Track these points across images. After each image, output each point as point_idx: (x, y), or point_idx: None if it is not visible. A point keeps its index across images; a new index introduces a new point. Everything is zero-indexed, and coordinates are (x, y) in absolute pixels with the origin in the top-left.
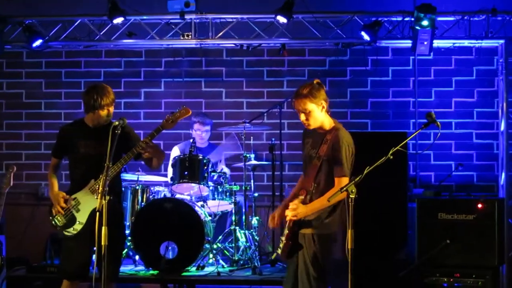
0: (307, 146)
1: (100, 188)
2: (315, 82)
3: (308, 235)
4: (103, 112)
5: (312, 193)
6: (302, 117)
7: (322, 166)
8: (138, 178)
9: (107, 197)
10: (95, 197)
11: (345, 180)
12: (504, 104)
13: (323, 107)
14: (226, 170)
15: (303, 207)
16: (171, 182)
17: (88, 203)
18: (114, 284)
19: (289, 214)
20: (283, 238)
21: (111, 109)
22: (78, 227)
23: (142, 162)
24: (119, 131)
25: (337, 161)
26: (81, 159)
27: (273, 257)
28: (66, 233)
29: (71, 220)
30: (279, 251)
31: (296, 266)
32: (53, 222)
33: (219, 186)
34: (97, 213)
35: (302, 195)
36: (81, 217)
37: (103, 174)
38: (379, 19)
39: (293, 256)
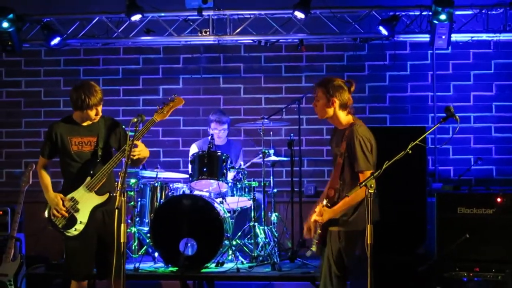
0: (333, 145)
1: (119, 185)
2: (345, 80)
3: (334, 232)
4: (92, 112)
5: (339, 190)
6: (314, 103)
7: (345, 163)
8: (157, 175)
9: (107, 194)
10: (93, 194)
11: (367, 175)
12: None
13: (332, 103)
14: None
15: (328, 212)
16: (190, 178)
17: (87, 201)
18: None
19: (315, 219)
20: (316, 240)
21: (100, 108)
22: (79, 227)
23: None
24: (138, 128)
25: (353, 156)
26: (74, 158)
27: (308, 254)
28: (67, 234)
29: (71, 221)
30: (314, 248)
31: None
32: (53, 224)
33: (238, 183)
34: (116, 211)
35: (331, 194)
36: (82, 217)
37: (122, 172)
38: (397, 13)
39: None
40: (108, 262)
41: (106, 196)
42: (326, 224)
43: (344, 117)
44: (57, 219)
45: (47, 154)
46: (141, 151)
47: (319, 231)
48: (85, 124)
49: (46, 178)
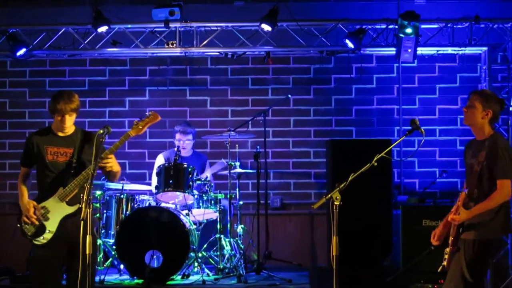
0: (468, 157)
1: (85, 197)
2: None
3: (468, 241)
4: (58, 118)
5: (475, 200)
6: (465, 108)
7: (483, 171)
8: (123, 187)
9: (77, 205)
10: (64, 205)
11: (506, 182)
12: None
13: (486, 114)
14: (208, 174)
15: (465, 212)
16: (156, 190)
17: (57, 211)
18: None
19: (452, 217)
20: (448, 250)
21: (68, 117)
22: (48, 236)
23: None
24: (104, 139)
25: (494, 164)
26: (48, 167)
27: (439, 270)
28: (36, 242)
29: (41, 229)
30: (445, 263)
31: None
32: (22, 231)
33: (204, 195)
34: (82, 222)
35: (465, 201)
36: (51, 226)
37: (87, 183)
38: (363, 26)
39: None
40: (76, 273)
41: (76, 207)
42: (461, 231)
43: (488, 129)
44: (27, 227)
45: (24, 162)
46: (113, 165)
47: (451, 238)
48: (62, 134)
49: (23, 186)
